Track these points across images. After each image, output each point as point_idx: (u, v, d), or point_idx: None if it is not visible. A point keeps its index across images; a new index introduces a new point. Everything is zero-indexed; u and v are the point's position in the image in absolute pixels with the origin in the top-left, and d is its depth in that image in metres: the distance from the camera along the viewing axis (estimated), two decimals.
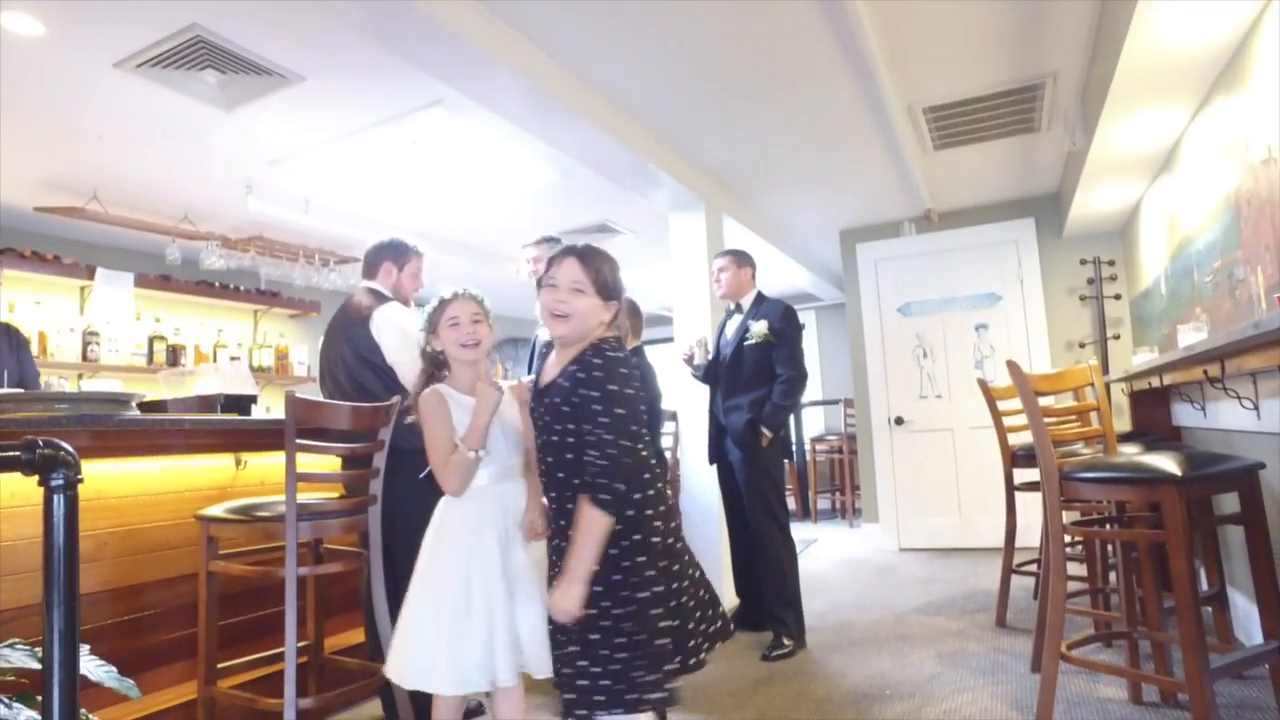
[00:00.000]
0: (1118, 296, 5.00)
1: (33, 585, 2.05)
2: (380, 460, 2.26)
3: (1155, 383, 3.30)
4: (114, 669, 1.56)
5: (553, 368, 1.66)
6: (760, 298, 3.48)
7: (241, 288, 5.56)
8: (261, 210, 4.41)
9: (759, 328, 3.33)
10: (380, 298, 2.64)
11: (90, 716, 1.53)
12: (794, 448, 7.50)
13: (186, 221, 4.60)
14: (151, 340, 5.04)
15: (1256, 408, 2.39)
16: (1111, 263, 5.03)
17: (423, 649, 1.70)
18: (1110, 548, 3.01)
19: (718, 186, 4.63)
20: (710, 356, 3.56)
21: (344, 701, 2.65)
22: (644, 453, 1.56)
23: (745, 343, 3.36)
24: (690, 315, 4.33)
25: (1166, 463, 1.95)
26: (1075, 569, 3.47)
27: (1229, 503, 2.62)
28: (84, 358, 4.64)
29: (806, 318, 8.05)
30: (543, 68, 3.00)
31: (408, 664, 1.72)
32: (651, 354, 3.53)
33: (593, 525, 1.50)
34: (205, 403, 2.65)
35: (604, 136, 3.44)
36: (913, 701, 2.54)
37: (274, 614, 2.63)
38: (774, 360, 3.31)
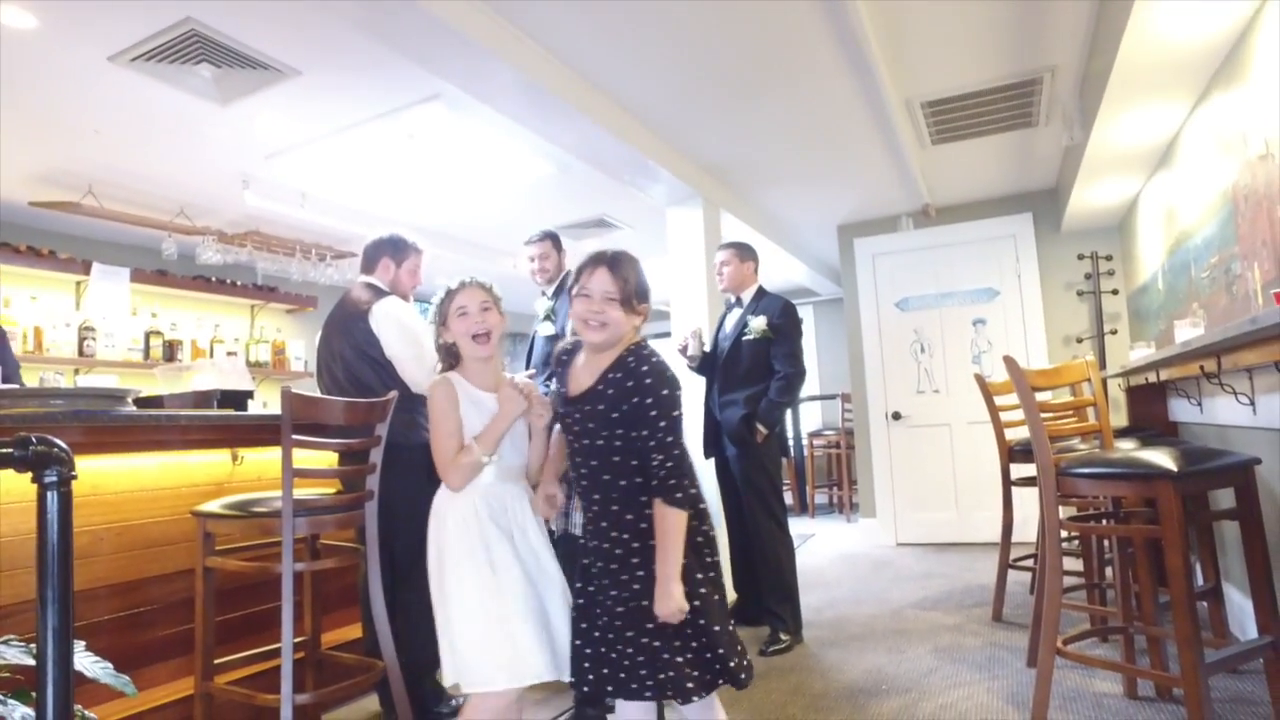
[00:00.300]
0: (1115, 292, 5.00)
1: (28, 581, 2.05)
2: (377, 455, 2.26)
3: (1152, 378, 3.30)
4: (110, 665, 1.56)
5: (584, 373, 1.68)
6: (761, 292, 3.47)
7: (238, 282, 5.55)
8: (258, 205, 4.40)
9: (758, 323, 3.33)
10: (378, 292, 2.64)
11: (87, 713, 1.53)
12: (790, 444, 7.50)
13: (183, 216, 4.59)
14: (148, 335, 5.03)
15: (1253, 403, 2.39)
16: (1109, 258, 5.03)
17: (479, 645, 1.63)
18: (1106, 543, 3.02)
19: (715, 181, 4.62)
20: (706, 348, 3.55)
21: (341, 697, 2.64)
22: (692, 466, 1.66)
23: (744, 337, 3.36)
24: (687, 309, 4.33)
25: (1162, 458, 1.95)
26: (1072, 564, 3.48)
27: (1225, 498, 2.63)
28: (80, 353, 4.63)
29: (805, 313, 8.04)
30: (541, 64, 2.99)
31: (467, 667, 1.63)
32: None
33: (675, 524, 1.57)
34: (202, 398, 2.65)
35: (602, 132, 3.43)
36: (909, 696, 2.54)
37: (271, 609, 2.62)
38: (772, 356, 3.31)
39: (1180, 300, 3.60)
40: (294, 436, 2.04)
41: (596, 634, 1.64)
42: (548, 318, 3.25)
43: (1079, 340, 5.10)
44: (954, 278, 5.44)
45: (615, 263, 1.66)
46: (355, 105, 3.41)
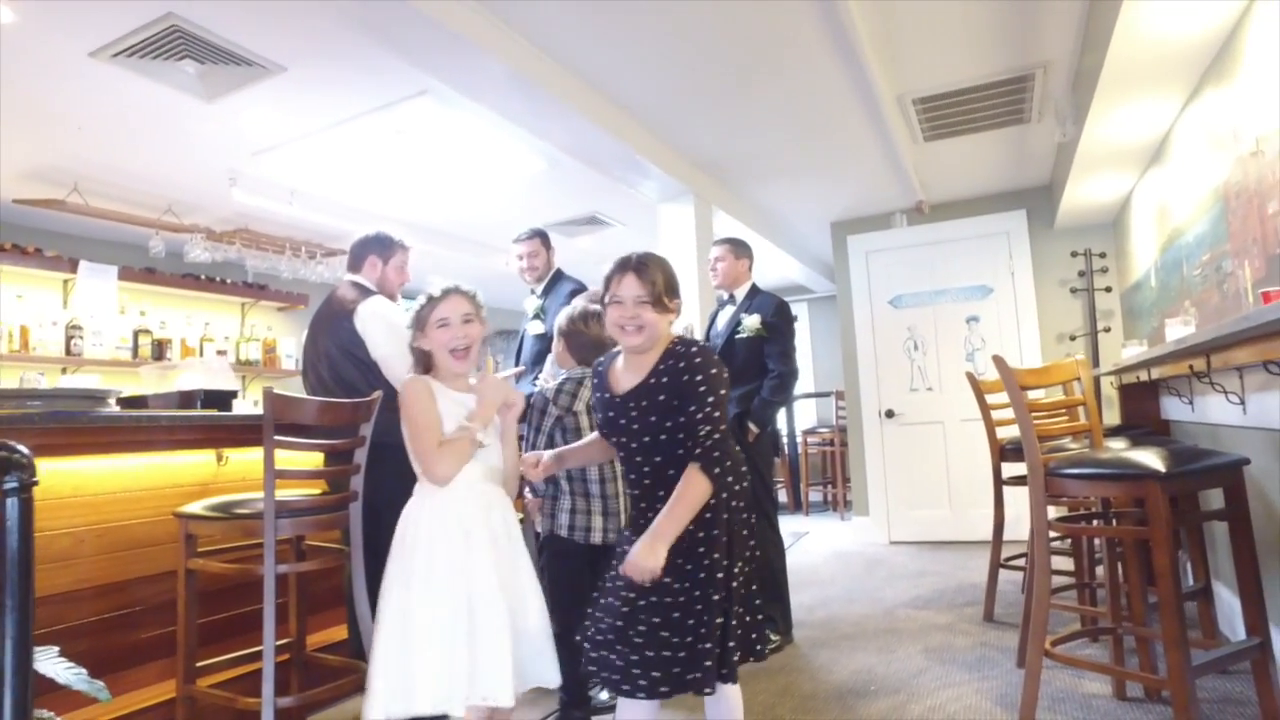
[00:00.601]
0: (1109, 289, 5.00)
1: None
2: (361, 456, 2.24)
3: (1144, 376, 3.29)
4: (84, 671, 1.53)
5: (628, 375, 1.72)
6: (754, 290, 3.44)
7: (228, 280, 5.52)
8: (246, 202, 4.37)
9: (751, 321, 3.30)
10: (365, 291, 2.62)
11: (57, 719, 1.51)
12: (784, 442, 7.49)
13: (170, 214, 4.55)
14: (136, 334, 5.00)
15: (1243, 402, 2.38)
16: (1103, 255, 5.02)
17: (435, 667, 1.59)
18: (1097, 543, 3.01)
19: (707, 177, 4.59)
20: None
21: (327, 699, 2.62)
22: (736, 448, 1.69)
23: (737, 335, 3.33)
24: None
25: (1151, 459, 1.94)
26: (1063, 564, 3.47)
27: (1215, 498, 2.62)
28: (67, 352, 4.60)
29: (799, 310, 8.05)
30: (530, 59, 2.96)
31: (415, 692, 1.58)
32: None
33: (697, 492, 1.58)
34: (186, 398, 2.62)
35: (592, 127, 3.40)
36: (898, 697, 2.53)
37: (256, 611, 2.59)
38: (765, 355, 3.28)
39: (1172, 298, 3.59)
40: (277, 437, 2.02)
41: (634, 635, 1.60)
42: (537, 316, 3.23)
43: (1072, 338, 5.09)
44: (948, 275, 5.43)
45: (641, 266, 1.70)
46: (342, 101, 3.38)
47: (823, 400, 8.07)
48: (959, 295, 5.40)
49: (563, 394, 2.29)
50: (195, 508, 2.17)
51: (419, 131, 3.73)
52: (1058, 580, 2.89)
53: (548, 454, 1.86)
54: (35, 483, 1.01)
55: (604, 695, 2.54)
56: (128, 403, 2.61)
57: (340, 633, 2.84)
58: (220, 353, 5.32)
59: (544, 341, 3.10)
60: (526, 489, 2.34)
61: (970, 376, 3.32)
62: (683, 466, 1.62)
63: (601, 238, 5.73)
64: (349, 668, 2.36)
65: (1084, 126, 3.37)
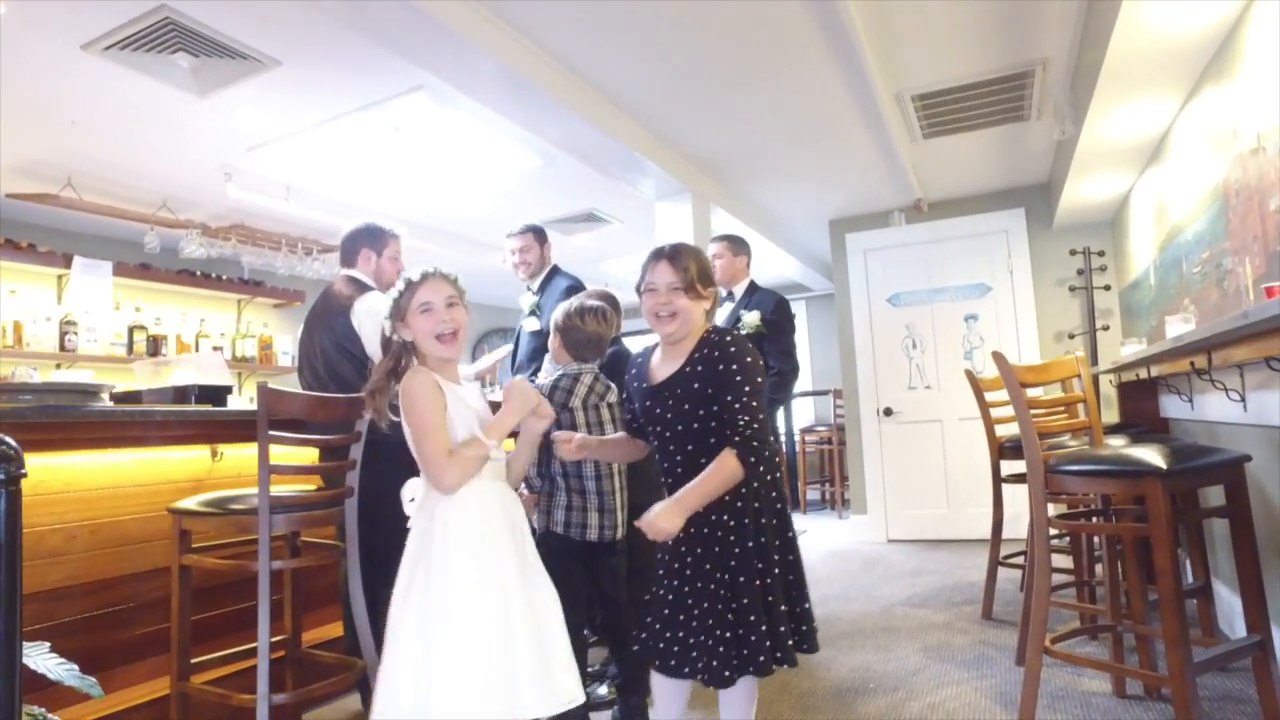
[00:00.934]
0: (1107, 287, 4.99)
1: None
2: (357, 452, 2.22)
3: (1143, 374, 3.28)
4: (75, 667, 1.52)
5: (664, 365, 1.78)
6: (753, 287, 3.43)
7: (224, 277, 5.49)
8: (241, 198, 4.35)
9: (750, 318, 3.29)
10: (361, 286, 2.60)
11: (50, 716, 1.49)
12: (782, 440, 7.48)
13: (165, 209, 4.53)
14: (131, 330, 4.97)
15: (1243, 400, 2.37)
16: (1101, 253, 5.01)
17: (480, 677, 1.46)
18: (1096, 540, 3.01)
19: (705, 175, 4.58)
20: None
21: (322, 696, 2.61)
22: (771, 438, 1.72)
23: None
24: None
25: (1151, 455, 1.93)
26: (1063, 562, 3.46)
27: (1215, 495, 2.61)
28: (61, 348, 4.57)
29: (797, 308, 8.00)
30: (525, 55, 2.94)
31: (456, 701, 1.44)
32: (635, 346, 3.49)
33: (729, 473, 1.62)
34: (180, 393, 2.60)
35: (588, 125, 3.39)
36: (896, 695, 2.52)
37: (251, 608, 2.58)
38: (764, 353, 3.27)
39: (1172, 296, 3.58)
40: (271, 432, 2.00)
41: (695, 620, 1.67)
42: (533, 313, 3.21)
43: (1071, 336, 5.08)
44: (946, 273, 5.42)
45: (675, 254, 1.75)
46: (336, 96, 3.36)
47: (821, 399, 8.06)
48: (957, 294, 5.39)
49: (558, 390, 2.27)
50: (189, 503, 2.15)
51: (414, 127, 3.71)
52: (1057, 578, 2.89)
53: (579, 435, 1.88)
54: (23, 474, 0.99)
55: (602, 690, 2.52)
56: (121, 398, 2.59)
57: (335, 630, 2.82)
58: (216, 349, 5.29)
59: (540, 338, 3.09)
60: (522, 485, 2.33)
61: (969, 374, 3.31)
62: (715, 455, 1.66)
63: (599, 235, 5.71)
64: (344, 664, 2.35)
65: (1083, 124, 3.36)
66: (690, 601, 1.67)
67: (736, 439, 1.63)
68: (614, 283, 5.63)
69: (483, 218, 5.22)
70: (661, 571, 1.74)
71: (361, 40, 2.75)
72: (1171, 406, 3.42)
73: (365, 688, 2.34)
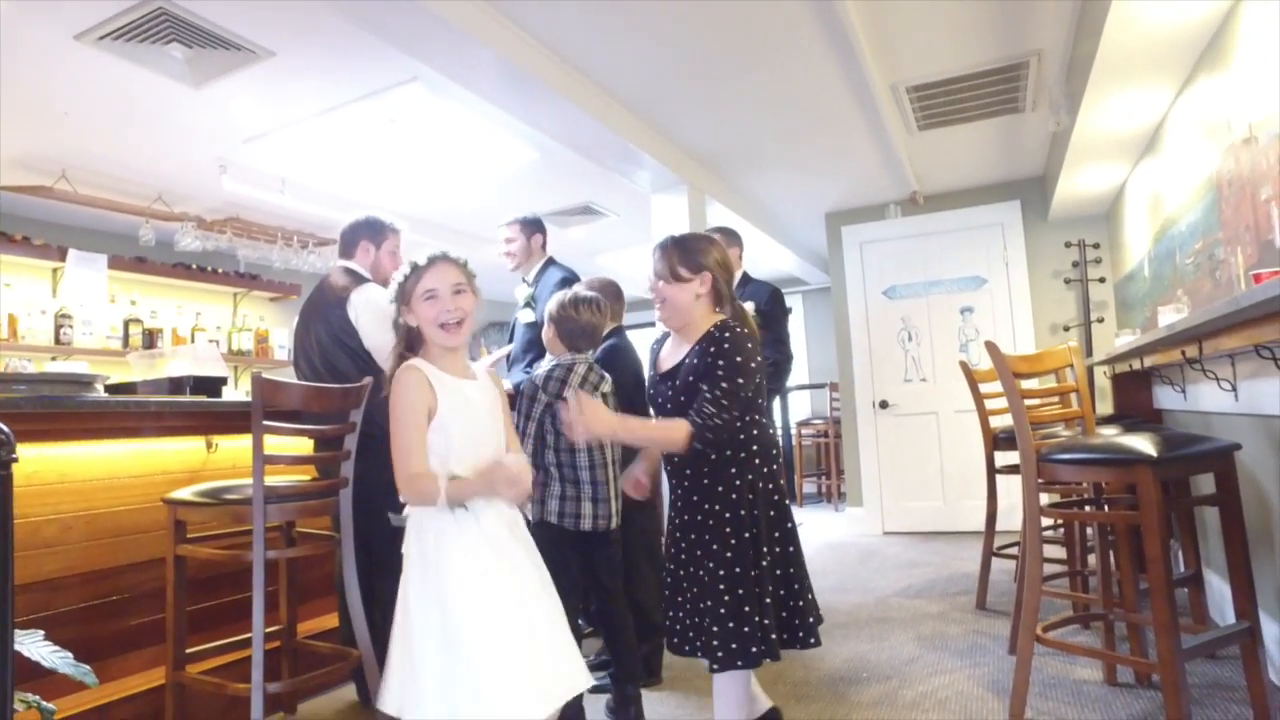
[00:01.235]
0: (1102, 280, 5.00)
1: None
2: (351, 442, 2.22)
3: (1136, 365, 3.29)
4: (69, 655, 1.52)
5: (672, 354, 1.84)
6: (746, 278, 3.43)
7: (220, 270, 5.48)
8: (237, 191, 4.33)
9: (745, 309, 3.29)
10: (358, 278, 2.60)
11: (44, 704, 1.49)
12: (779, 433, 7.49)
13: (160, 202, 4.52)
14: (127, 323, 4.96)
15: (1234, 389, 2.38)
16: (1096, 245, 5.02)
17: (510, 668, 1.44)
18: (1089, 529, 3.02)
19: (701, 168, 4.57)
20: None
21: (317, 685, 2.62)
22: (770, 431, 1.78)
23: None
24: None
25: (1142, 444, 1.94)
26: (1057, 552, 3.48)
27: (1206, 484, 2.63)
28: (56, 341, 4.56)
29: (793, 302, 8.03)
30: (521, 47, 2.93)
31: (495, 697, 1.41)
32: (636, 338, 3.49)
33: (672, 434, 1.68)
34: (175, 384, 2.60)
35: (585, 117, 3.38)
36: (890, 684, 2.53)
37: (246, 598, 2.58)
38: (760, 343, 3.28)
39: (1165, 287, 3.59)
40: (266, 423, 2.00)
41: (689, 603, 1.74)
42: (528, 304, 3.21)
43: (1066, 328, 5.09)
44: (942, 266, 5.42)
45: (660, 246, 1.81)
46: (332, 88, 3.35)
47: (817, 391, 8.07)
48: (953, 286, 5.40)
49: (552, 380, 2.28)
50: (184, 494, 2.15)
51: (410, 119, 3.69)
52: (1050, 568, 2.90)
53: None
54: (14, 459, 0.99)
55: (594, 680, 2.53)
56: (116, 389, 2.59)
57: (331, 620, 2.83)
58: (212, 342, 5.29)
59: (535, 330, 3.09)
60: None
61: (964, 365, 3.32)
62: (716, 456, 1.73)
63: (595, 228, 5.71)
64: (339, 654, 2.35)
65: (1077, 115, 3.36)
66: (686, 585, 1.73)
67: (699, 420, 1.67)
68: (610, 276, 5.62)
69: (478, 211, 5.21)
70: (667, 555, 1.83)
71: (356, 30, 2.74)
72: (1165, 398, 3.43)
73: (360, 678, 2.35)
